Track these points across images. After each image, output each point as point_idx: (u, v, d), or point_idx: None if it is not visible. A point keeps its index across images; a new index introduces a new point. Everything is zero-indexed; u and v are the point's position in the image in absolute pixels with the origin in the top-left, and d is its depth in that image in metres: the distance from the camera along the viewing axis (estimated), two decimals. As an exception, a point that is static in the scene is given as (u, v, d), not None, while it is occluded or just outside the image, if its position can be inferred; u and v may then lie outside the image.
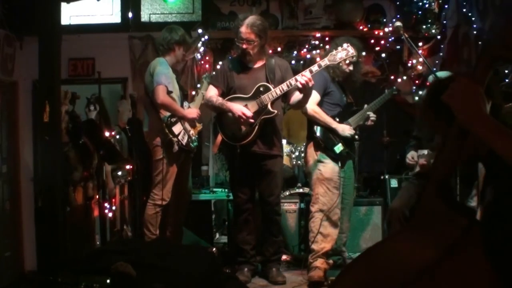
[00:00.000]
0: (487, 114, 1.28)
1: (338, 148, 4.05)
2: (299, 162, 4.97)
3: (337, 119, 4.12)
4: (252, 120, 3.90)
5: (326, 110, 4.11)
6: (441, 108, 1.44)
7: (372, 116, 4.25)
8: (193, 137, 4.32)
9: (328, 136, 4.07)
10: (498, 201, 1.44)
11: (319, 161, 4.07)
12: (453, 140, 1.35)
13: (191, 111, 4.31)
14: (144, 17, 5.97)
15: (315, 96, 4.05)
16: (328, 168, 4.05)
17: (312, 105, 4.04)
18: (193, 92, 5.26)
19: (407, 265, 1.27)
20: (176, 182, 4.25)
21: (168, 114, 4.14)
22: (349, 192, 4.33)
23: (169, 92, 4.10)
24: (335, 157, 4.06)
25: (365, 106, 4.30)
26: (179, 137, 4.14)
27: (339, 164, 4.08)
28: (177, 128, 4.15)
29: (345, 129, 4.08)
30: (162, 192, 4.14)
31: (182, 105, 4.32)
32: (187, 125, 4.27)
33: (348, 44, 3.88)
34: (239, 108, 3.92)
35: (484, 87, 1.32)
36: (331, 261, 4.16)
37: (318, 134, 4.09)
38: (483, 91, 1.30)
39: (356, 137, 4.17)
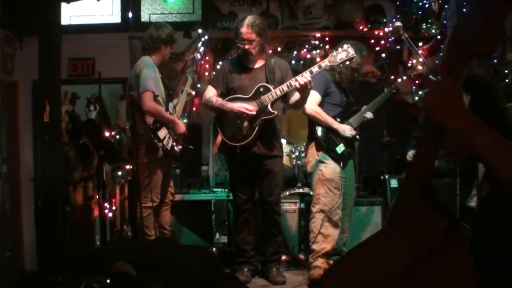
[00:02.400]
0: (466, 111, 1.23)
1: (340, 148, 4.06)
2: (299, 162, 4.97)
3: (338, 119, 4.12)
4: (254, 113, 3.91)
5: (327, 110, 4.11)
6: None
7: (369, 115, 4.28)
8: (178, 141, 4.22)
9: (330, 137, 4.07)
10: (494, 196, 1.43)
11: (321, 161, 4.08)
12: (429, 139, 1.31)
13: (181, 126, 4.18)
14: (144, 17, 5.97)
15: (316, 96, 4.05)
16: (330, 168, 4.05)
17: (313, 105, 4.05)
18: (193, 92, 5.26)
19: (387, 267, 1.25)
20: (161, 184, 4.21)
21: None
22: (350, 192, 4.32)
23: (155, 97, 3.99)
24: (336, 158, 4.06)
25: (365, 106, 4.31)
26: (164, 142, 4.05)
27: (341, 165, 4.08)
28: (162, 133, 4.04)
29: (346, 129, 4.08)
30: (152, 194, 4.08)
31: (167, 106, 4.20)
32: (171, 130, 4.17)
33: (349, 45, 3.88)
34: (239, 105, 3.93)
35: (460, 82, 1.28)
36: (331, 261, 4.16)
37: (319, 134, 4.09)
38: (460, 87, 1.27)
39: (357, 137, 4.17)
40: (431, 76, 3.86)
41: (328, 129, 4.07)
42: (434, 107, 1.25)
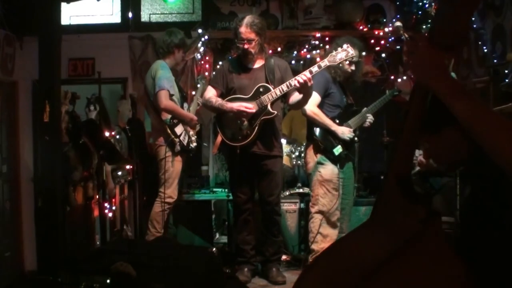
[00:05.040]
0: (448, 75, 1.26)
1: (337, 150, 4.07)
2: (299, 162, 4.96)
3: (337, 121, 4.12)
4: (253, 111, 3.91)
5: (326, 111, 4.11)
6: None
7: (370, 118, 4.26)
8: (193, 138, 4.38)
9: (328, 138, 4.08)
10: (474, 196, 1.43)
11: (319, 163, 4.10)
12: (408, 133, 1.33)
13: (193, 117, 4.41)
14: (144, 17, 5.97)
15: (315, 97, 4.05)
16: (328, 170, 4.07)
17: (312, 107, 4.05)
18: (193, 92, 5.26)
19: (366, 258, 1.26)
20: None
21: (169, 116, 4.20)
22: (349, 192, 4.34)
23: (171, 96, 4.17)
24: (333, 159, 4.08)
25: (365, 108, 4.30)
26: (181, 138, 4.22)
27: (338, 166, 4.09)
28: (179, 129, 4.24)
29: (345, 132, 4.08)
30: (170, 190, 4.23)
31: (182, 107, 4.38)
32: (187, 126, 4.33)
33: (348, 45, 3.88)
34: (238, 104, 3.93)
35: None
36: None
37: (317, 135, 4.10)
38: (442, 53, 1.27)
39: (356, 139, 4.17)
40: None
41: (326, 130, 4.08)
42: (418, 68, 1.27)
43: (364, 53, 4.21)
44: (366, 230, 1.38)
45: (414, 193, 1.32)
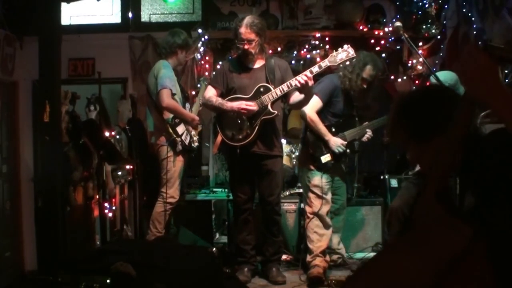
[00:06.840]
0: (504, 90, 1.15)
1: (325, 158, 4.11)
2: (299, 162, 4.97)
3: (333, 129, 4.13)
4: (255, 108, 3.91)
5: (324, 118, 4.11)
6: (413, 124, 1.39)
7: (369, 134, 4.25)
8: (195, 138, 4.38)
9: (318, 145, 4.11)
10: (481, 207, 1.35)
11: (310, 169, 4.15)
12: (454, 142, 1.26)
13: (198, 120, 4.45)
14: (144, 17, 5.97)
15: (317, 102, 4.05)
16: (316, 175, 4.14)
17: (311, 112, 4.05)
18: (193, 92, 5.27)
19: (412, 280, 1.20)
20: None
21: (171, 115, 4.21)
22: (342, 193, 4.42)
23: (173, 95, 4.18)
24: (320, 166, 4.11)
25: (366, 123, 4.29)
26: (182, 137, 4.23)
27: (322, 173, 4.12)
28: (180, 129, 4.24)
29: (337, 143, 4.09)
30: (172, 190, 4.23)
31: (184, 107, 4.40)
32: (189, 126, 4.34)
33: (349, 46, 3.88)
34: (239, 102, 3.93)
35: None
36: (328, 258, 4.22)
37: (309, 139, 4.11)
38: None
39: (348, 151, 4.16)
40: (432, 78, 3.83)
41: (319, 137, 4.09)
42: (473, 83, 1.17)
43: (379, 66, 4.16)
44: (408, 250, 1.29)
45: (456, 208, 1.27)
